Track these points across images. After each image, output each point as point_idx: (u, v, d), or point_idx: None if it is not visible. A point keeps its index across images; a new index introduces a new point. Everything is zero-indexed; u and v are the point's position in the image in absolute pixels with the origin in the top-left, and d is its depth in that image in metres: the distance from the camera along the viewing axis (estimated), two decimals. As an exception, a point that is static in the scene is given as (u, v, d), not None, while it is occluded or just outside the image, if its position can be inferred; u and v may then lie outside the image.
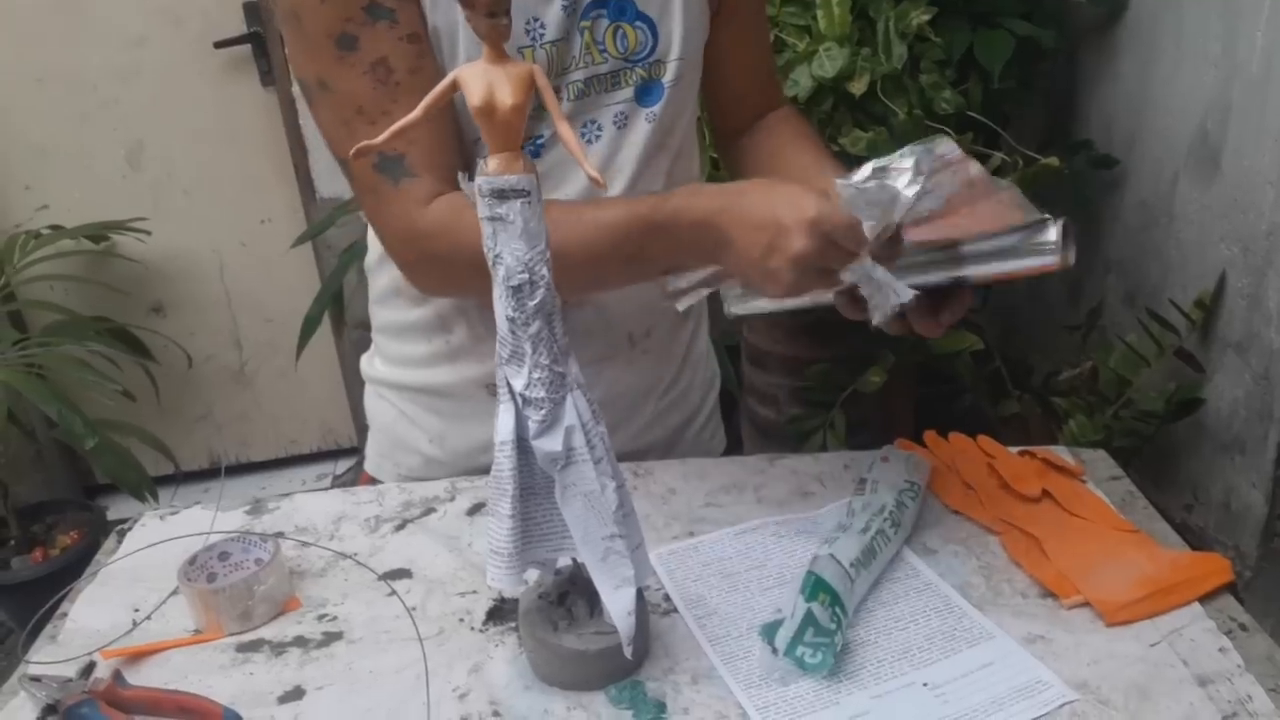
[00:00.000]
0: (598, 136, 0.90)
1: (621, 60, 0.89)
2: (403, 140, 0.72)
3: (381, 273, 1.03)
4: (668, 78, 0.91)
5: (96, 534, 2.16)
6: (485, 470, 1.01)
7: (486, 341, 0.97)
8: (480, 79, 0.59)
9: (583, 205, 0.84)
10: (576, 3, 0.86)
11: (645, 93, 0.91)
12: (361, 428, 1.15)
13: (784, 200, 0.72)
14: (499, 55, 0.60)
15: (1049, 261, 0.75)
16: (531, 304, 0.63)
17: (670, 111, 0.93)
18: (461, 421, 1.03)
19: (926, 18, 1.60)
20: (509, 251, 0.62)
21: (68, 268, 2.25)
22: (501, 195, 0.61)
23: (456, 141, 0.86)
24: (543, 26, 0.85)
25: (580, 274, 0.83)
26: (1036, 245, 0.75)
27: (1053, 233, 0.74)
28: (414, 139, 0.81)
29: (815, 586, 0.74)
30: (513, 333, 0.64)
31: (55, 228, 2.23)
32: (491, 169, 0.61)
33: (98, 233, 2.25)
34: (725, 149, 1.07)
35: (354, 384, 2.62)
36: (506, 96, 0.59)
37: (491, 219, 0.62)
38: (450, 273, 0.87)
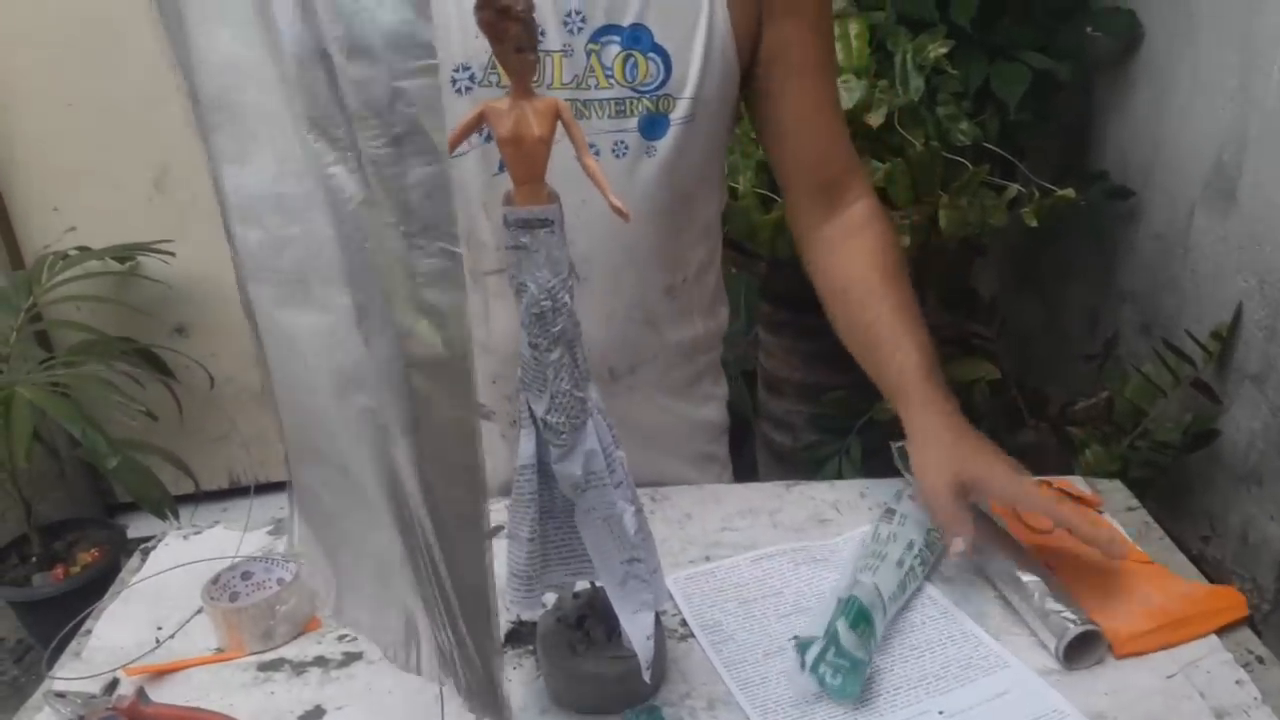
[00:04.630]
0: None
1: (629, 89, 0.89)
2: None
3: None
4: (676, 114, 0.91)
5: (117, 552, 2.18)
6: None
7: (477, 363, 0.98)
8: (507, 112, 0.61)
9: None
10: (584, 23, 0.86)
11: (650, 125, 0.91)
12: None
13: None
14: (525, 89, 0.61)
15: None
16: (554, 330, 0.64)
17: (677, 151, 0.92)
18: None
19: (944, 50, 1.62)
20: (532, 280, 0.64)
21: (94, 288, 2.28)
22: (526, 225, 0.62)
23: None
24: (543, 33, 0.86)
25: None
26: (1047, 624, 0.78)
27: (1053, 644, 0.76)
28: None
29: (858, 615, 0.74)
30: (535, 359, 0.65)
31: (82, 249, 2.26)
32: (517, 199, 0.62)
33: (124, 254, 2.28)
34: (799, 231, 1.02)
35: (372, 406, 2.64)
36: (533, 129, 0.61)
37: (515, 248, 0.63)
38: None
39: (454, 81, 0.88)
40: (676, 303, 1.00)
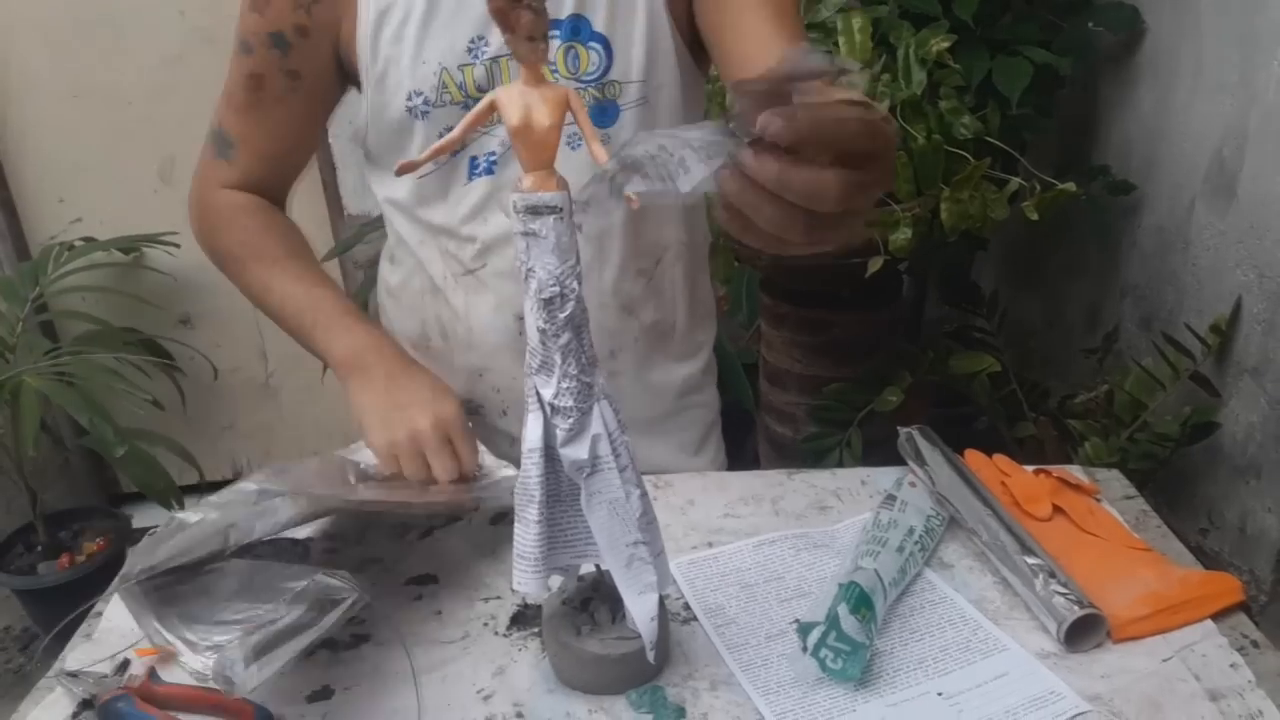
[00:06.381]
0: None
1: (573, 80, 0.90)
2: (240, 124, 0.97)
3: (385, 275, 1.10)
4: (626, 99, 0.91)
5: (122, 541, 2.19)
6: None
7: (462, 359, 1.02)
8: (518, 100, 0.62)
9: (286, 259, 1.03)
10: None
11: (599, 113, 0.91)
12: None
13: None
14: (536, 78, 0.62)
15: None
16: (562, 316, 0.65)
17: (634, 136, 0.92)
18: None
19: (946, 45, 1.63)
20: (541, 265, 0.65)
21: (99, 279, 2.29)
22: (535, 211, 0.63)
23: (287, 143, 1.01)
24: (486, 44, 0.88)
25: (251, 293, 1.07)
26: (1049, 607, 0.78)
27: (1054, 626, 0.77)
28: (247, 133, 0.98)
29: (859, 600, 0.75)
30: (543, 344, 0.67)
31: (88, 240, 2.27)
32: (526, 186, 0.63)
33: (129, 245, 2.29)
34: None
35: (375, 398, 2.65)
36: (543, 117, 0.62)
37: (525, 234, 0.64)
38: (207, 247, 1.08)
39: (409, 109, 0.91)
40: (652, 285, 1.00)
